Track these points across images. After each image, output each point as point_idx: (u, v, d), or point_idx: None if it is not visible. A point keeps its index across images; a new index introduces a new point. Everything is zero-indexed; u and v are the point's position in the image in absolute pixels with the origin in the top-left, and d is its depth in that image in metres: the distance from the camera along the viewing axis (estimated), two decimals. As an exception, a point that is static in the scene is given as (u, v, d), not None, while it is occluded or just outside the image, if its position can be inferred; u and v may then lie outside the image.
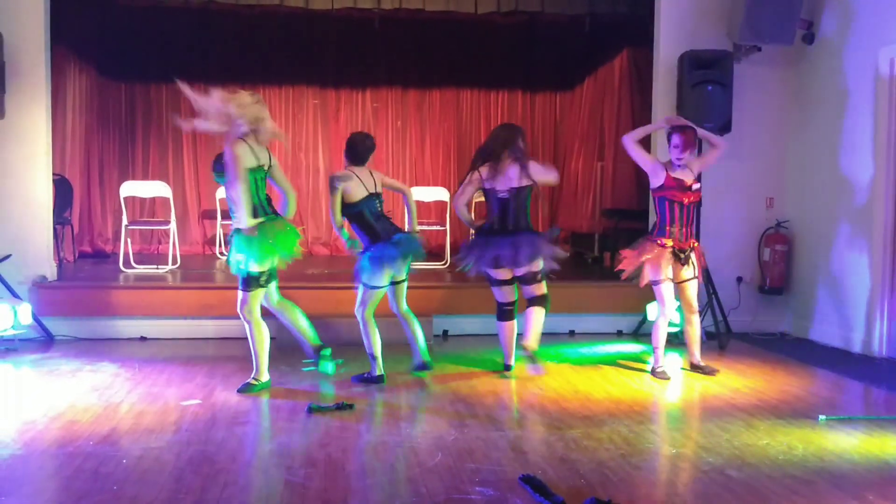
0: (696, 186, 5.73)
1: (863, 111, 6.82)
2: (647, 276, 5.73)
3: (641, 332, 7.36)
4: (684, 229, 5.71)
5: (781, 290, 7.74)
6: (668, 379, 5.70)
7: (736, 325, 7.47)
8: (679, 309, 6.12)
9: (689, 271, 5.78)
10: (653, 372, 5.83)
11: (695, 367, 5.92)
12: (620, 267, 5.89)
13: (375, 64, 10.98)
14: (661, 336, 5.83)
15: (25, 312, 6.61)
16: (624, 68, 9.66)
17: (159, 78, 10.59)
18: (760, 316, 7.76)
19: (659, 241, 5.71)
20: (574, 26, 9.86)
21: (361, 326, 5.50)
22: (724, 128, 7.33)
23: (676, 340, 6.97)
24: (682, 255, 5.72)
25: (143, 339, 6.96)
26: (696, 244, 5.85)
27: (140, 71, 10.54)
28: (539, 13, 8.68)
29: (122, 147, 10.57)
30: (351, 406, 4.87)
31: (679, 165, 5.70)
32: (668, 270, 5.70)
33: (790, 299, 7.78)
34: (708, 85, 7.27)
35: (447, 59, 10.99)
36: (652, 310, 7.09)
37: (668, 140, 5.77)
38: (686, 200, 5.69)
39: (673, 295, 5.78)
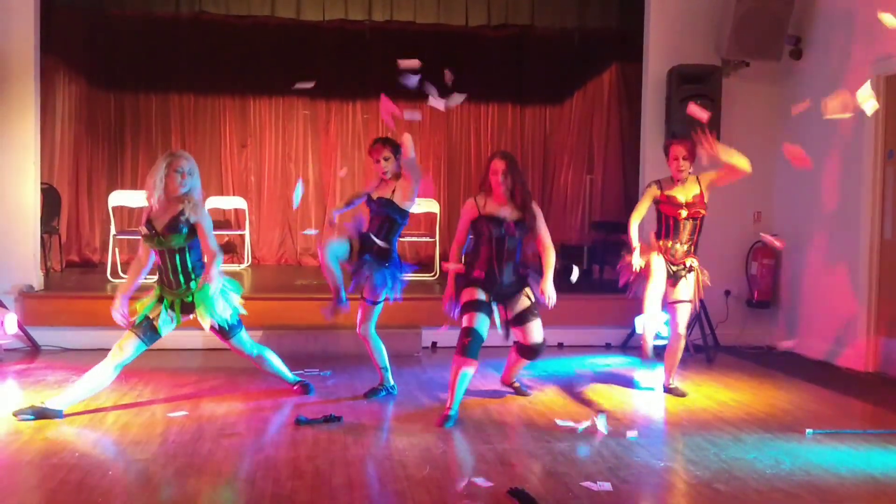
0: (693, 201, 5.51)
1: (850, 126, 6.86)
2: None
3: (630, 345, 7.37)
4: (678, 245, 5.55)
5: (769, 303, 7.78)
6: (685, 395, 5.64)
7: (723, 338, 7.49)
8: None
9: (684, 292, 5.54)
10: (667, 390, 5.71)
11: (666, 390, 5.73)
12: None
13: (366, 75, 10.99)
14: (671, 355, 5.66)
15: (11, 322, 6.56)
16: (613, 83, 9.72)
17: (149, 88, 10.59)
18: (748, 329, 7.78)
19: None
20: (564, 41, 9.92)
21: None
22: (712, 142, 7.38)
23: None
24: (674, 270, 5.55)
25: (129, 349, 6.91)
26: (693, 263, 5.58)
27: (129, 81, 10.52)
28: (529, 27, 8.73)
29: (110, 156, 10.53)
30: (339, 418, 4.85)
31: (680, 179, 5.55)
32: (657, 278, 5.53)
33: (777, 313, 7.82)
34: (696, 100, 7.30)
35: (438, 72, 10.99)
36: (640, 323, 7.09)
37: (667, 152, 5.59)
38: (681, 216, 5.51)
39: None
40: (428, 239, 9.35)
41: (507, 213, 5.09)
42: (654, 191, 5.60)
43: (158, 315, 4.93)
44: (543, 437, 4.63)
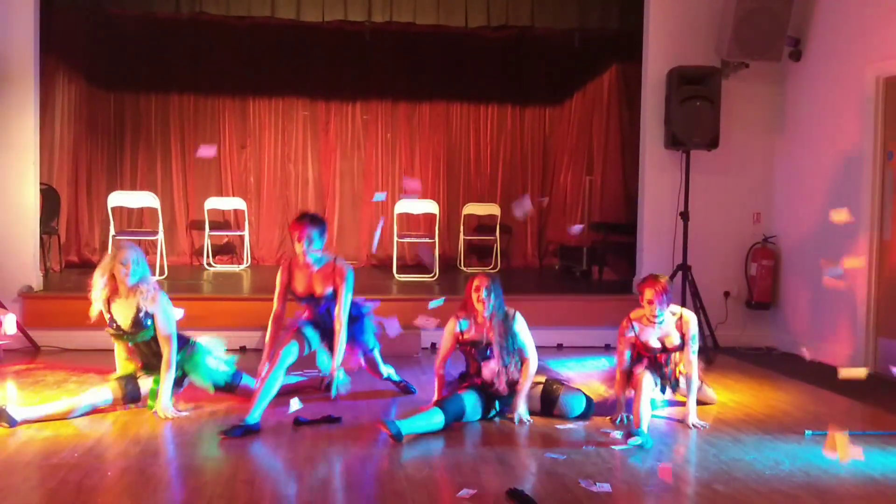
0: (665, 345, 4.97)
1: (850, 128, 6.87)
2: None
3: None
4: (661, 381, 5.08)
5: (768, 304, 7.78)
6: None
7: (723, 339, 7.49)
8: None
9: (686, 367, 5.01)
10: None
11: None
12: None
13: (366, 76, 11.00)
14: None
15: (11, 322, 6.56)
16: (613, 84, 9.73)
17: (148, 88, 10.59)
18: (748, 330, 7.78)
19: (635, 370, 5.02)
20: (564, 41, 9.93)
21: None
22: (711, 143, 7.38)
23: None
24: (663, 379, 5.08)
25: (129, 350, 6.92)
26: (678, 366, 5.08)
27: (129, 81, 10.52)
28: (529, 28, 8.73)
29: (110, 157, 10.53)
30: (338, 419, 4.85)
31: (654, 323, 4.89)
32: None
33: (777, 314, 7.82)
34: (696, 100, 7.32)
35: (437, 73, 11.02)
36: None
37: (640, 293, 4.94)
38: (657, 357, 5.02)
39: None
40: (427, 240, 9.35)
41: (489, 338, 4.89)
42: (631, 336, 5.02)
43: (146, 383, 4.97)
44: (542, 437, 4.63)
